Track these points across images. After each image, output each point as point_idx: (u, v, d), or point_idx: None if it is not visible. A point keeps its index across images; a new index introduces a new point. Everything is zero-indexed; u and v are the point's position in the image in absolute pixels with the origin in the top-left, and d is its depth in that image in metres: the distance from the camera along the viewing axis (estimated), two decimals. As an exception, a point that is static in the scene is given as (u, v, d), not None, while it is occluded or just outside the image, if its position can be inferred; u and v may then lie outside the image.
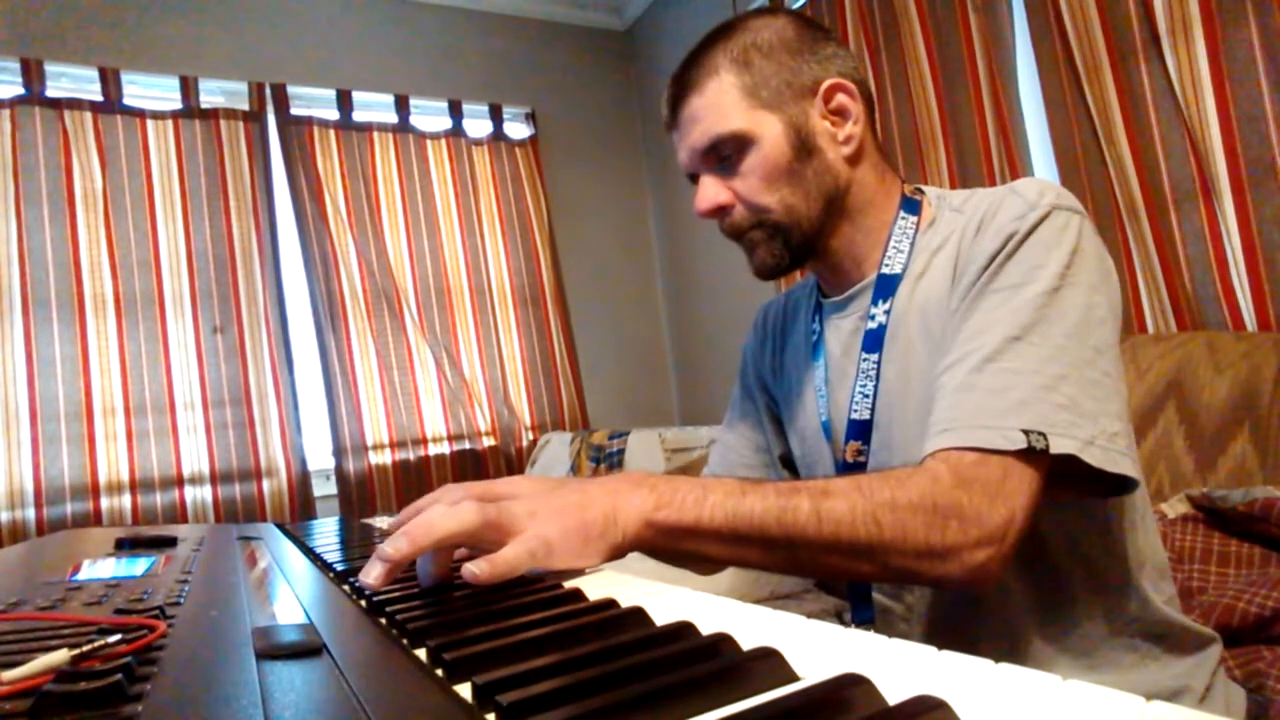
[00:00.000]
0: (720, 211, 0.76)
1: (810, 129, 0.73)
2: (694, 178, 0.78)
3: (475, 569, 0.48)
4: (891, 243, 0.75)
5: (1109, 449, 0.57)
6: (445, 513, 0.51)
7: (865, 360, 0.73)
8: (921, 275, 0.72)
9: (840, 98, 0.74)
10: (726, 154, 0.73)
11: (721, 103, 0.72)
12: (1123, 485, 0.59)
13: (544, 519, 0.53)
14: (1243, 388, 1.25)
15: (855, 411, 0.73)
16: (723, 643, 0.33)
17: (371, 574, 0.49)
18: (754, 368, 0.95)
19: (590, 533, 0.54)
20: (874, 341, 0.73)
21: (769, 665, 0.30)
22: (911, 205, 0.76)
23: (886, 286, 0.74)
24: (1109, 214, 1.70)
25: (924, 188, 0.78)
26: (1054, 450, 0.55)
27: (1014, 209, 0.65)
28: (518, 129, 3.16)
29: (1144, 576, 0.69)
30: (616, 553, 0.56)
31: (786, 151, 0.72)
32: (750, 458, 0.94)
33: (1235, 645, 0.97)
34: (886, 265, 0.74)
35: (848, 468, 0.74)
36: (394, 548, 0.49)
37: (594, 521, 0.54)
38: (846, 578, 0.63)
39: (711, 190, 0.75)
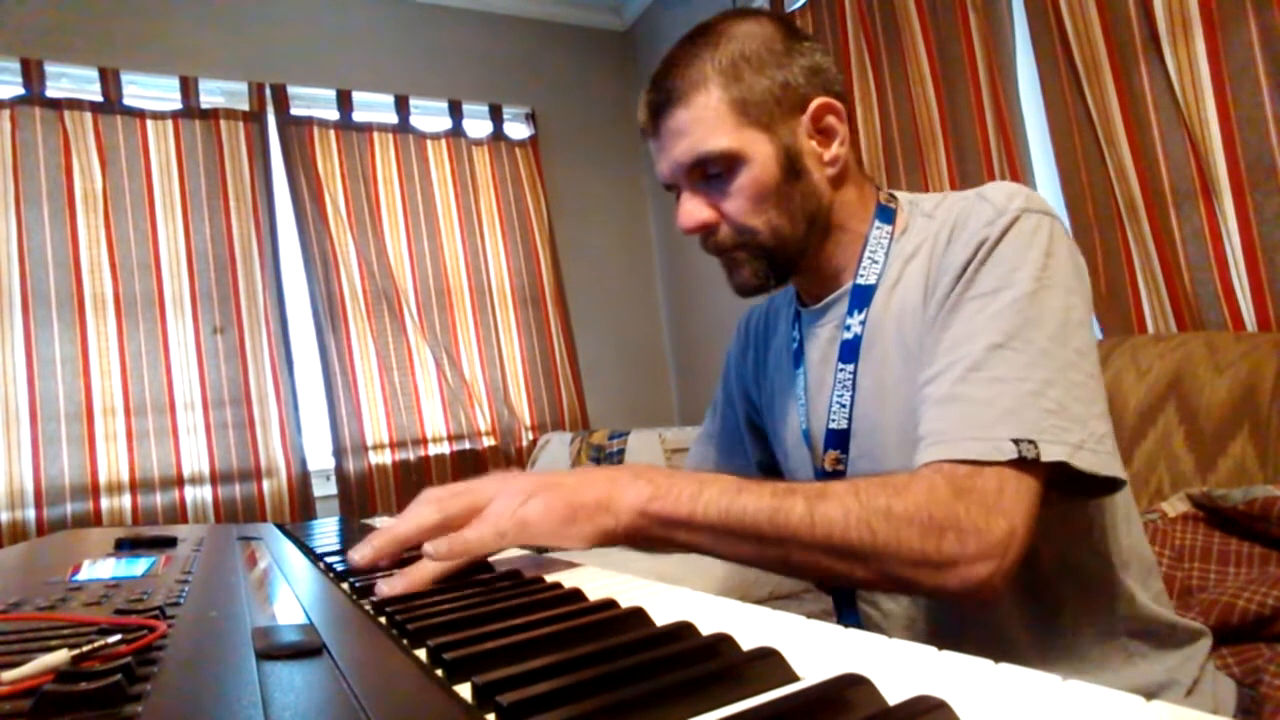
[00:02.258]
0: (704, 229, 0.75)
1: (798, 149, 0.73)
2: (670, 187, 0.77)
3: (431, 547, 0.54)
4: (866, 253, 0.75)
5: (1098, 451, 0.57)
6: (406, 516, 0.58)
7: (842, 370, 0.73)
8: (895, 284, 0.72)
9: (829, 119, 0.73)
10: (713, 172, 0.72)
11: (710, 118, 0.70)
12: (1109, 485, 0.59)
13: (530, 499, 0.55)
14: (1243, 388, 1.25)
15: (833, 421, 0.74)
16: (722, 643, 0.33)
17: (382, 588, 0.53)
18: (736, 375, 0.95)
19: (577, 515, 0.55)
20: (850, 352, 0.73)
21: (769, 665, 0.30)
22: (886, 214, 0.76)
23: (862, 297, 0.74)
24: (1109, 214, 1.70)
25: (897, 194, 0.78)
26: (1044, 459, 0.55)
27: (983, 215, 0.65)
28: (518, 129, 3.16)
29: (1130, 575, 0.69)
30: (607, 539, 0.57)
31: (775, 173, 0.71)
32: (726, 464, 0.95)
33: (1234, 643, 0.97)
34: (862, 276, 0.74)
35: (827, 477, 0.74)
36: (359, 555, 0.57)
37: (584, 505, 0.56)
38: (841, 580, 0.64)
39: (696, 208, 0.74)
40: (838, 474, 0.73)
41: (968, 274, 0.64)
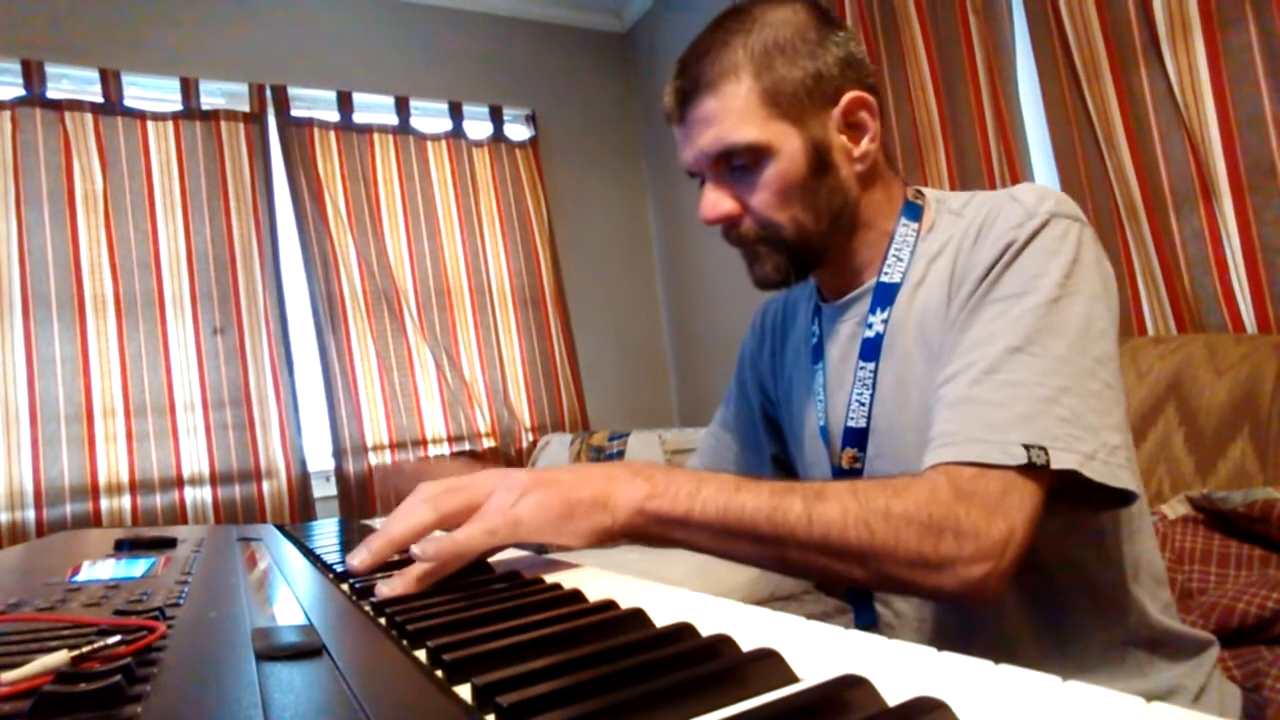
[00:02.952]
0: (727, 221, 0.73)
1: (828, 143, 0.71)
2: (694, 175, 0.76)
3: (418, 549, 0.53)
4: (892, 251, 0.74)
5: (1109, 462, 0.56)
6: (401, 515, 0.56)
7: (862, 368, 0.72)
8: (920, 283, 0.71)
9: (861, 114, 0.72)
10: (739, 163, 0.71)
11: (739, 108, 0.69)
12: (1122, 498, 0.58)
13: (525, 496, 0.55)
14: (1242, 390, 1.25)
15: (852, 419, 0.73)
16: (722, 644, 0.33)
17: (388, 591, 0.52)
18: (751, 368, 0.94)
19: (574, 512, 0.55)
20: (871, 350, 0.72)
21: (768, 666, 0.30)
22: (913, 211, 0.75)
23: (885, 295, 0.73)
24: (1109, 216, 1.70)
25: (924, 190, 0.77)
26: (1055, 466, 0.55)
27: (1012, 217, 0.64)
28: (518, 130, 3.16)
29: (1140, 586, 0.68)
30: (604, 536, 0.56)
31: (803, 168, 0.70)
32: (740, 456, 0.94)
33: (1235, 646, 0.97)
34: (886, 274, 0.73)
35: (843, 474, 0.74)
36: (358, 560, 0.56)
37: (580, 502, 0.55)
38: (839, 580, 0.64)
39: (719, 199, 0.72)
40: (854, 472, 0.73)
41: (992, 275, 0.63)
